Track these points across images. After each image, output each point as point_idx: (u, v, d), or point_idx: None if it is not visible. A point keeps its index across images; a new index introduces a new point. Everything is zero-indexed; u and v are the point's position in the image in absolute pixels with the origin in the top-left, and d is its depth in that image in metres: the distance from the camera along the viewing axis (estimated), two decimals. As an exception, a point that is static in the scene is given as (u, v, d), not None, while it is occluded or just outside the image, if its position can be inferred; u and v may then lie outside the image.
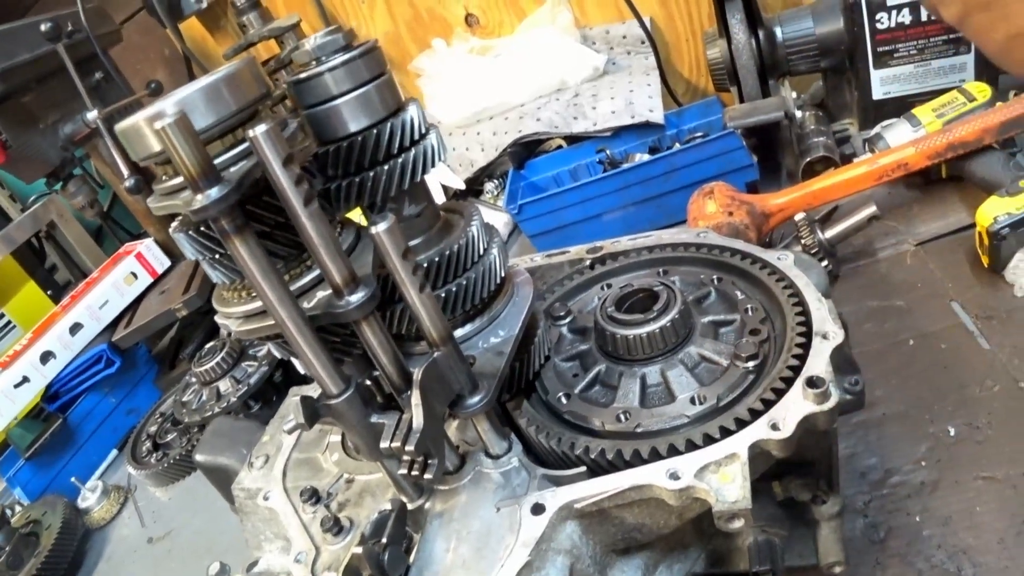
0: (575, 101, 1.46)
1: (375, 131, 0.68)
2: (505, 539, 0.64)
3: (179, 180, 0.58)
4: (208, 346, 1.35)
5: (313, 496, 0.78)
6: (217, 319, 0.69)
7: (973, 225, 1.07)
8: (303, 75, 0.66)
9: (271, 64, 1.62)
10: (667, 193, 1.32)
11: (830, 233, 1.12)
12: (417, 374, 0.63)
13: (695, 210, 1.17)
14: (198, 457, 0.98)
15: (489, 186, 1.63)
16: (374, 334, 0.63)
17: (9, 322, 1.86)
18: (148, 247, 1.66)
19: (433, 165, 0.72)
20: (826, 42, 1.27)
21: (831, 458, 0.73)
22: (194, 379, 1.36)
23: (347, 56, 0.66)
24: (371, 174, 0.68)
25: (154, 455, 1.45)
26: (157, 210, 0.61)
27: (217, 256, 0.65)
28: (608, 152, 1.37)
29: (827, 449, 0.73)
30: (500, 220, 1.55)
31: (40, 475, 1.47)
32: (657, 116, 1.40)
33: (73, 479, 1.43)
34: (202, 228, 0.62)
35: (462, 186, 1.61)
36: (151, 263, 1.66)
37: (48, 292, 1.89)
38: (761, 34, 1.28)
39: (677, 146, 1.36)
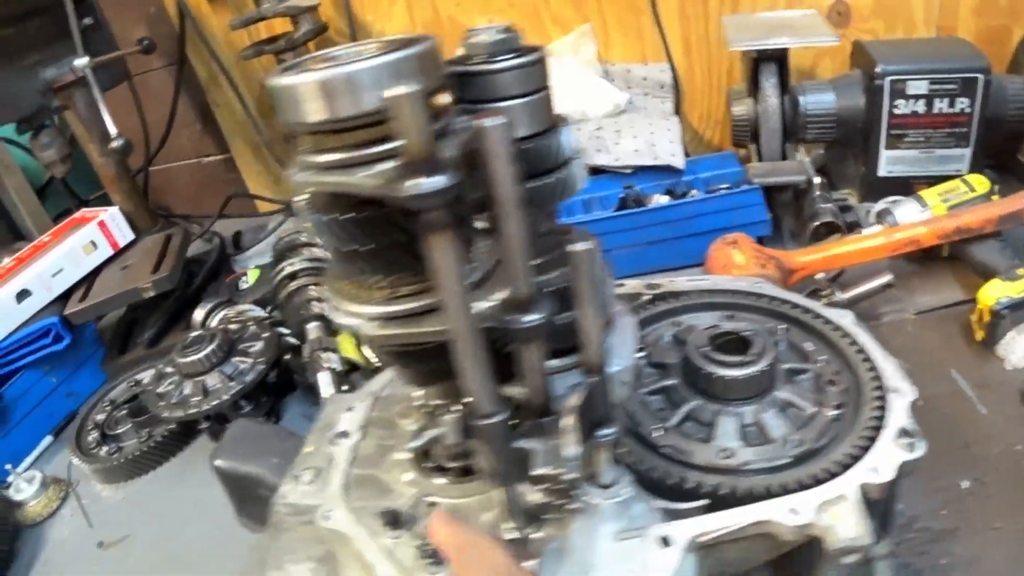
0: (598, 134, 1.48)
1: (533, 143, 0.66)
2: (633, 571, 0.64)
3: (347, 155, 0.53)
4: (193, 335, 1.24)
5: (394, 520, 0.72)
6: (336, 317, 0.64)
7: (966, 302, 1.19)
8: (478, 68, 0.63)
9: (281, 43, 1.54)
10: (682, 237, 1.36)
11: (848, 295, 1.19)
12: (575, 400, 0.62)
13: (721, 258, 1.21)
14: (219, 463, 0.89)
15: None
16: (534, 355, 0.61)
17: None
18: (112, 216, 1.50)
19: (579, 187, 0.71)
20: (843, 116, 1.37)
21: (891, 502, 0.78)
22: (171, 369, 1.24)
23: (525, 59, 0.64)
24: (526, 186, 0.66)
25: (104, 447, 1.30)
26: (316, 185, 0.56)
27: (360, 249, 0.60)
28: (637, 189, 1.40)
29: (891, 495, 0.78)
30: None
31: (-39, 459, 1.28)
32: (679, 161, 1.44)
33: (8, 467, 1.26)
34: (355, 215, 0.57)
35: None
36: (113, 234, 1.50)
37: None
38: (786, 99, 1.36)
39: (695, 193, 1.41)
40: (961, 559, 0.87)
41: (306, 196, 0.65)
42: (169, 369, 1.24)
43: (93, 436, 1.33)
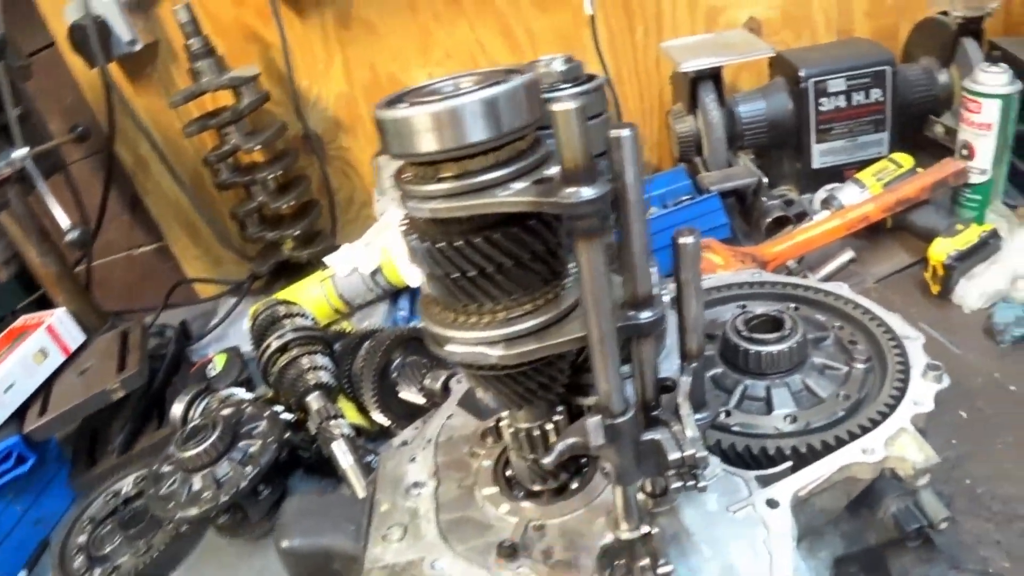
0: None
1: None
2: (756, 537, 0.67)
3: (470, 180, 0.54)
4: (191, 427, 1.15)
5: (512, 551, 0.71)
6: (449, 349, 0.63)
7: (915, 263, 1.35)
8: (547, 96, 0.66)
9: (226, 115, 1.50)
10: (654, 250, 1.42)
11: (819, 275, 1.30)
12: (685, 386, 0.65)
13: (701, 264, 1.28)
14: (287, 543, 0.82)
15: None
16: (650, 350, 0.63)
17: None
18: (60, 319, 1.38)
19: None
20: (774, 120, 1.50)
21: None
22: (169, 468, 1.15)
23: (588, 86, 0.68)
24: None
25: (96, 570, 1.18)
26: (451, 211, 0.56)
27: (472, 274, 0.60)
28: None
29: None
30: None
31: (-73, 618, 1.12)
32: (636, 180, 1.50)
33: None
34: (469, 240, 0.57)
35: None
36: (63, 338, 1.38)
37: None
38: (722, 112, 1.47)
39: (653, 210, 1.48)
40: (981, 477, 0.97)
41: (403, 227, 0.65)
42: (167, 468, 1.15)
43: (80, 560, 1.20)
